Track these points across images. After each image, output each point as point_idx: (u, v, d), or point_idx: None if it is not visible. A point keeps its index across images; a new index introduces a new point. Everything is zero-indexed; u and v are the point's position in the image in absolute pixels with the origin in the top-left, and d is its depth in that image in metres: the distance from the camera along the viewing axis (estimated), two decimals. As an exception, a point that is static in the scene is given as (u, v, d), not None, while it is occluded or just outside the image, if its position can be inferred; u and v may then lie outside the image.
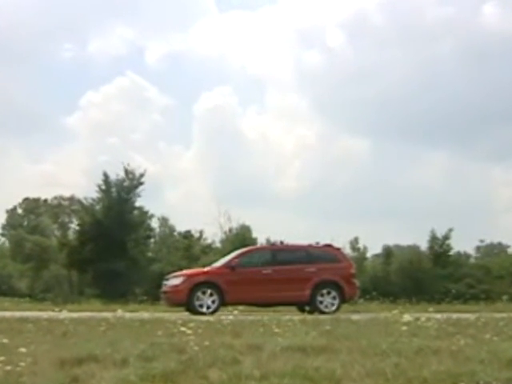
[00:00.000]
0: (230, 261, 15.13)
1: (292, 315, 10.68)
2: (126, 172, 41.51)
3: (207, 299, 14.18)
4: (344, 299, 15.09)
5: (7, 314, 11.17)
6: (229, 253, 17.32)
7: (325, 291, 14.85)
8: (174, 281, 14.72)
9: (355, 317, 10.12)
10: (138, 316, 9.85)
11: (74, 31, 75.48)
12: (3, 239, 56.24)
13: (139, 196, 42.02)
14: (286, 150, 72.64)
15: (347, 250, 45.35)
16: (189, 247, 45.99)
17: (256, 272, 14.85)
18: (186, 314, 13.57)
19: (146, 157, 69.29)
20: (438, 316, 9.85)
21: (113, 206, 40.68)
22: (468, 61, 67.21)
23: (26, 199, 60.58)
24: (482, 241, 55.91)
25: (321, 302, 14.74)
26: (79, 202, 47.27)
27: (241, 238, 43.28)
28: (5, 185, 63.90)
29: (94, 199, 42.70)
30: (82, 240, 40.84)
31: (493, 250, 58.10)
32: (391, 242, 51.95)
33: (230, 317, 8.75)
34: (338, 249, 16.91)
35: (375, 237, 58.40)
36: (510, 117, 64.23)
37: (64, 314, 9.83)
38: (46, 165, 74.23)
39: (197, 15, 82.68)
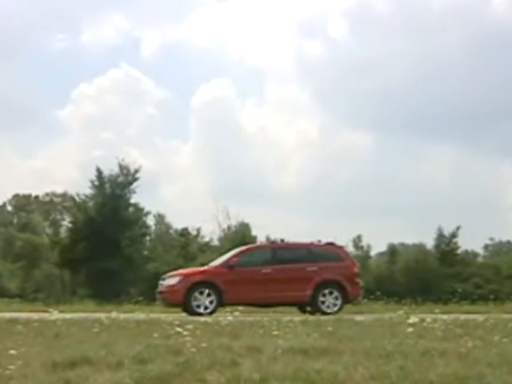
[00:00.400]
0: (229, 260, 15.14)
1: (293, 316, 10.69)
2: (121, 167, 41.55)
3: (205, 299, 14.19)
4: (347, 299, 15.11)
5: (-3, 315, 11.16)
6: (227, 251, 17.32)
7: (327, 291, 14.86)
8: (171, 280, 14.73)
9: (358, 318, 10.13)
10: (133, 317, 9.85)
11: (67, 21, 75.48)
12: (-8, 237, 56.29)
13: (134, 192, 42.13)
14: (286, 145, 72.73)
15: (350, 249, 45.52)
16: (186, 245, 46.03)
17: (255, 271, 14.85)
18: (182, 315, 13.59)
19: (142, 152, 69.41)
20: (445, 317, 9.85)
21: (107, 203, 40.70)
22: (475, 52, 67.27)
23: (16, 196, 60.62)
24: (490, 239, 55.98)
25: (323, 303, 14.75)
26: (72, 198, 47.29)
27: (240, 235, 43.33)
28: (-6, 181, 63.97)
29: (87, 196, 42.75)
30: (74, 238, 40.87)
31: (502, 249, 58.17)
32: (396, 240, 52.09)
33: (229, 318, 8.75)
34: (341, 247, 16.91)
35: (379, 235, 58.44)
36: (519, 110, 64.35)
37: (56, 315, 9.83)
38: (37, 160, 74.34)
39: (194, 4, 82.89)
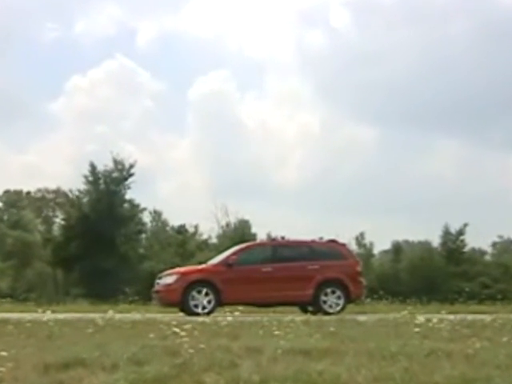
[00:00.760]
0: (228, 258, 15.14)
1: (294, 316, 10.69)
2: (116, 162, 41.59)
3: (203, 299, 14.20)
4: (349, 299, 15.12)
5: (-13, 315, 11.17)
6: (226, 249, 17.32)
7: (329, 290, 14.88)
8: (167, 279, 14.73)
9: (361, 318, 10.15)
10: (128, 317, 9.86)
11: (59, 10, 75.38)
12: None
13: (129, 188, 42.19)
14: (287, 139, 72.67)
15: (353, 246, 45.62)
16: (183, 243, 46.11)
17: (255, 270, 14.86)
18: (180, 315, 13.60)
19: (137, 146, 69.30)
20: (451, 317, 9.86)
21: (101, 199, 40.74)
22: (481, 42, 67.23)
23: (7, 192, 60.53)
24: (499, 236, 55.95)
25: (324, 302, 14.76)
26: (65, 194, 47.37)
27: (239, 233, 43.41)
28: (-16, 176, 63.96)
29: (80, 192, 42.81)
30: (67, 236, 40.93)
31: (510, 247, 58.11)
32: (400, 238, 52.17)
33: (228, 318, 8.75)
34: (343, 245, 16.92)
35: (383, 232, 58.28)
36: (528, 102, 64.33)
37: (48, 316, 9.83)
38: (28, 155, 74.23)
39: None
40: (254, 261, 15.11)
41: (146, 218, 47.62)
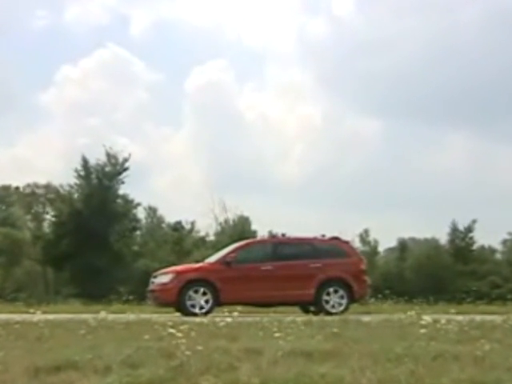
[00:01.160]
0: (226, 255, 15.14)
1: (295, 316, 10.71)
2: (108, 156, 41.59)
3: (200, 299, 14.21)
4: (353, 298, 15.13)
5: (-26, 316, 11.18)
6: (224, 247, 17.32)
7: (331, 290, 14.88)
8: (163, 278, 14.74)
9: (366, 318, 10.16)
10: (122, 318, 9.87)
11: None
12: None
13: (123, 183, 42.20)
14: (287, 132, 72.77)
15: (357, 244, 45.73)
16: (179, 240, 46.17)
17: (255, 268, 14.86)
18: (176, 316, 13.61)
19: (131, 139, 69.53)
20: (460, 318, 9.87)
21: (93, 195, 40.74)
22: (492, 29, 67.25)
23: (-5, 187, 60.56)
24: (509, 234, 55.95)
25: (327, 302, 14.78)
26: (55, 189, 47.30)
27: (238, 230, 43.47)
28: (-29, 171, 63.93)
29: (71, 187, 42.82)
30: (58, 233, 40.93)
31: (521, 244, 58.18)
32: (406, 235, 52.30)
33: (226, 318, 8.76)
34: (347, 242, 16.92)
35: (388, 229, 58.46)
36: (541, 92, 64.28)
37: (38, 316, 9.84)
38: (17, 148, 74.16)
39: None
40: (253, 259, 15.11)
41: (141, 214, 47.72)
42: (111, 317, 9.82)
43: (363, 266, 15.87)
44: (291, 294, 14.74)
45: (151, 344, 6.10)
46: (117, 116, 72.20)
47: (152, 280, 15.15)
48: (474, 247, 47.60)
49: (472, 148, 71.13)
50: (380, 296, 20.20)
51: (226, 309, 12.32)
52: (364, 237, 50.52)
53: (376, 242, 50.77)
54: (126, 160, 41.68)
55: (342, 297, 14.92)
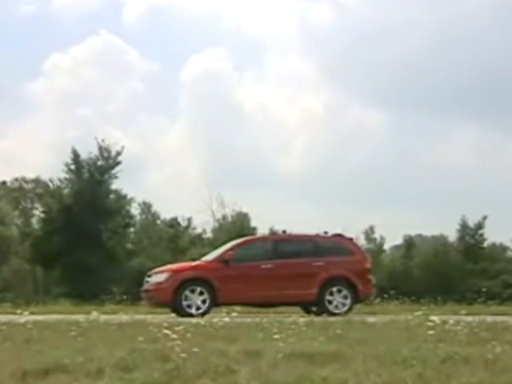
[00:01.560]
0: (224, 253, 15.15)
1: (296, 317, 10.72)
2: (101, 149, 41.55)
3: (197, 299, 14.22)
4: (357, 298, 15.14)
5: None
6: (222, 244, 17.33)
7: (335, 289, 14.90)
8: (158, 277, 14.75)
9: (370, 319, 10.17)
10: (115, 319, 9.87)
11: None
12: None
13: (116, 177, 42.16)
14: (289, 124, 72.69)
15: (361, 241, 45.82)
16: (175, 238, 46.19)
17: (254, 267, 14.87)
18: (171, 316, 13.62)
19: (125, 132, 69.38)
20: (470, 319, 9.87)
21: (85, 190, 40.73)
22: (502, 16, 67.02)
23: (-19, 181, 60.56)
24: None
25: (330, 302, 14.79)
26: (44, 184, 47.30)
27: (237, 226, 43.51)
28: (-44, 164, 63.92)
29: (62, 181, 42.78)
30: (48, 229, 40.93)
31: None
32: (413, 232, 52.28)
33: (224, 319, 8.77)
34: (351, 239, 16.93)
35: (394, 225, 58.57)
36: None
37: (26, 317, 9.84)
38: (4, 141, 73.98)
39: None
40: (252, 257, 15.12)
41: (135, 210, 47.65)
42: (103, 318, 9.83)
43: (368, 265, 15.88)
44: (292, 293, 14.75)
45: (145, 346, 6.10)
46: (109, 107, 72.13)
47: (146, 279, 15.16)
48: (485, 245, 47.60)
49: (482, 141, 71.11)
50: (385, 296, 20.20)
51: (223, 309, 12.35)
52: (369, 234, 50.57)
53: (381, 239, 50.84)
54: (119, 153, 41.66)
55: (345, 297, 14.93)
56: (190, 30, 79.43)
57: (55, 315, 12.88)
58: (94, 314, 9.85)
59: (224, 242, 17.83)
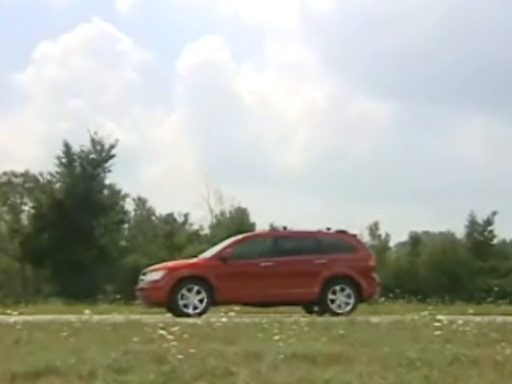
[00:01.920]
0: (222, 250, 15.17)
1: (298, 317, 10.73)
2: (93, 142, 41.49)
3: (194, 298, 14.24)
4: (361, 298, 15.17)
5: None
6: (220, 241, 17.34)
7: (337, 288, 14.92)
8: (153, 275, 14.77)
9: (375, 319, 10.19)
10: (108, 319, 9.88)
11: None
12: None
13: (109, 171, 42.12)
14: (289, 116, 72.53)
15: (365, 238, 45.78)
16: (171, 234, 46.16)
17: (253, 264, 14.89)
18: (167, 316, 13.65)
19: (118, 123, 69.15)
20: (478, 319, 9.90)
21: (77, 184, 40.71)
22: (511, 4, 66.89)
23: (-32, 175, 60.49)
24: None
25: (332, 301, 14.82)
26: (34, 178, 47.28)
27: (236, 222, 43.51)
28: None
29: (52, 175, 42.76)
30: (38, 226, 40.90)
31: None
32: (419, 228, 52.25)
33: (222, 319, 8.78)
34: (354, 236, 16.95)
35: (400, 221, 58.60)
36: None
37: (16, 318, 9.85)
38: (-8, 133, 74.02)
39: None
40: (252, 254, 15.14)
41: (129, 205, 47.64)
42: (96, 318, 9.84)
43: (372, 262, 15.91)
44: (293, 292, 14.77)
45: (140, 347, 6.11)
46: (102, 98, 71.85)
47: (141, 277, 15.18)
48: (494, 241, 47.57)
49: (491, 133, 71.04)
50: (390, 295, 20.25)
51: (222, 309, 12.36)
52: (373, 230, 50.51)
53: (386, 235, 50.76)
54: (112, 146, 41.60)
55: (348, 296, 14.95)
56: (185, 17, 79.33)
57: (46, 315, 12.90)
58: (87, 314, 9.86)
59: (222, 239, 17.84)
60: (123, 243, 45.09)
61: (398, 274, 41.90)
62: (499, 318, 10.42)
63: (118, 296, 21.33)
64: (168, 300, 14.27)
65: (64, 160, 41.79)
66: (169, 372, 4.88)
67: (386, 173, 64.32)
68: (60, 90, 69.40)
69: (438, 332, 6.97)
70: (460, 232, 48.20)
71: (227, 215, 48.20)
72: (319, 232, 16.06)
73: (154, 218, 52.00)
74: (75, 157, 41.72)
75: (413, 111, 71.92)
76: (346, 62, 71.19)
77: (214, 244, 17.80)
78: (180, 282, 14.31)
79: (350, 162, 67.93)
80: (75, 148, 41.68)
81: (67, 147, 41.66)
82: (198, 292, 14.27)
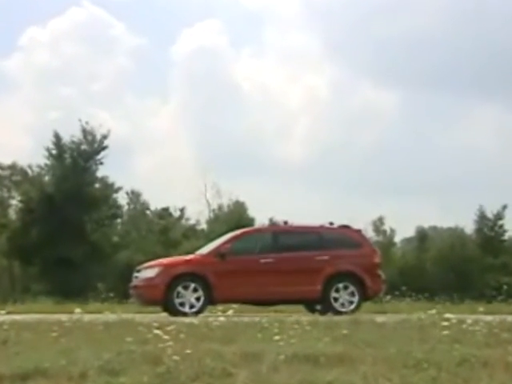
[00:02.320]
0: (220, 246, 15.16)
1: (299, 316, 10.74)
2: (85, 132, 41.51)
3: (190, 296, 14.24)
4: (365, 296, 15.17)
5: None
6: (218, 236, 17.34)
7: (341, 285, 14.92)
8: (148, 272, 14.76)
9: (380, 318, 10.19)
10: (100, 318, 9.90)
11: None
12: None
13: (101, 164, 42.17)
14: (290, 105, 72.63)
15: (370, 233, 45.84)
16: (166, 230, 46.23)
17: (253, 261, 14.89)
18: (163, 315, 13.65)
19: (111, 113, 69.33)
20: (489, 318, 9.91)
21: (67, 177, 40.71)
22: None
23: (-47, 168, 60.46)
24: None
25: (336, 300, 14.82)
26: (23, 171, 47.26)
27: (234, 217, 43.57)
28: None
29: (42, 168, 42.82)
30: (26, 221, 40.93)
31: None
32: (426, 223, 52.30)
33: (220, 318, 8.79)
34: (358, 231, 16.94)
35: (406, 216, 58.56)
36: None
37: (3, 317, 9.87)
38: (-22, 123, 73.98)
39: None
40: (251, 250, 15.13)
41: (122, 199, 47.72)
42: (88, 317, 9.85)
43: (377, 259, 15.90)
44: (294, 290, 14.77)
45: (134, 348, 6.11)
46: (94, 86, 71.89)
47: (135, 275, 15.17)
48: (505, 237, 47.63)
49: (503, 123, 71.04)
50: (396, 293, 20.25)
51: (219, 307, 12.37)
52: (378, 225, 50.57)
53: (392, 231, 50.80)
54: (104, 137, 41.64)
55: (352, 294, 14.95)
56: (181, 0, 79.22)
57: (35, 314, 12.91)
58: (78, 313, 9.87)
59: (220, 234, 17.84)
60: (116, 239, 45.12)
61: (404, 271, 41.97)
62: (510, 318, 10.44)
63: (111, 294, 21.29)
64: (163, 298, 14.27)
65: (54, 151, 41.82)
66: (164, 373, 4.88)
67: (391, 165, 64.46)
68: (49, 77, 69.50)
69: (446, 332, 6.97)
70: (469, 227, 48.34)
71: (225, 209, 48.27)
72: (321, 227, 16.05)
73: (148, 212, 52.03)
74: (65, 148, 41.73)
75: (420, 100, 72.07)
76: (349, 49, 71.33)
77: (212, 240, 17.79)
78: (176, 279, 14.31)
79: (353, 154, 68.02)
80: (65, 139, 41.78)
81: (57, 138, 41.67)
82: (195, 290, 14.27)
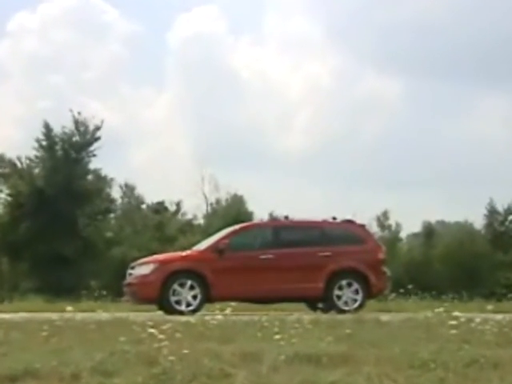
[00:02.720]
0: (218, 242, 15.17)
1: (300, 314, 10.76)
2: (76, 123, 41.45)
3: (187, 294, 14.25)
4: (370, 293, 15.19)
5: None
6: (216, 232, 17.36)
7: (344, 283, 14.94)
8: (142, 269, 14.77)
9: (385, 317, 10.21)
10: (93, 317, 9.91)
11: None
12: None
13: (94, 156, 42.12)
14: (291, 95, 72.56)
15: (374, 228, 45.88)
16: (162, 225, 46.24)
17: (252, 257, 14.90)
18: (158, 314, 13.67)
19: (104, 103, 69.10)
20: (499, 317, 9.92)
21: (58, 170, 40.67)
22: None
23: None
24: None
25: (339, 298, 14.83)
26: (11, 163, 47.19)
27: (232, 211, 43.61)
28: None
29: (31, 160, 42.70)
30: (15, 215, 40.91)
31: None
32: (434, 218, 52.34)
33: (218, 316, 8.80)
34: (362, 226, 16.96)
35: (412, 210, 58.53)
36: None
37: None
38: (-36, 113, 73.87)
39: None
40: (250, 246, 15.16)
41: (116, 193, 47.72)
42: (80, 316, 9.87)
43: (382, 255, 15.92)
44: (296, 288, 14.79)
45: (128, 348, 6.11)
46: (86, 75, 71.81)
47: (129, 272, 15.19)
48: (516, 232, 47.70)
49: (511, 112, 71.03)
50: (402, 291, 20.28)
51: (217, 306, 12.38)
52: (383, 220, 50.62)
53: (397, 225, 50.87)
54: (97, 128, 41.56)
55: (356, 291, 14.97)
56: (177, -15, 79.05)
57: (24, 313, 12.93)
58: (69, 312, 9.87)
59: (218, 230, 17.87)
60: (109, 234, 45.08)
61: (411, 267, 42.00)
62: (521, 316, 10.46)
63: (104, 292, 21.35)
64: (158, 296, 14.28)
65: (44, 143, 41.75)
66: (159, 374, 4.89)
67: (396, 157, 64.40)
68: (39, 65, 69.34)
69: (454, 331, 6.97)
70: (478, 222, 48.39)
71: (223, 203, 48.32)
72: (324, 222, 16.06)
73: (143, 206, 52.06)
74: (56, 139, 41.66)
75: (426, 89, 72.02)
76: (353, 36, 71.22)
77: (209, 235, 17.81)
78: (172, 276, 14.32)
79: (357, 146, 67.95)
80: (56, 130, 41.70)
81: (47, 129, 41.61)
82: (192, 287, 14.28)
